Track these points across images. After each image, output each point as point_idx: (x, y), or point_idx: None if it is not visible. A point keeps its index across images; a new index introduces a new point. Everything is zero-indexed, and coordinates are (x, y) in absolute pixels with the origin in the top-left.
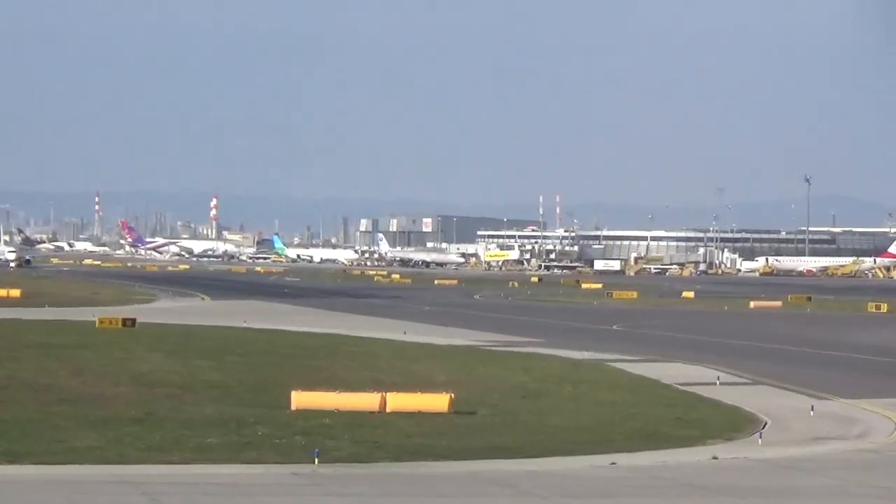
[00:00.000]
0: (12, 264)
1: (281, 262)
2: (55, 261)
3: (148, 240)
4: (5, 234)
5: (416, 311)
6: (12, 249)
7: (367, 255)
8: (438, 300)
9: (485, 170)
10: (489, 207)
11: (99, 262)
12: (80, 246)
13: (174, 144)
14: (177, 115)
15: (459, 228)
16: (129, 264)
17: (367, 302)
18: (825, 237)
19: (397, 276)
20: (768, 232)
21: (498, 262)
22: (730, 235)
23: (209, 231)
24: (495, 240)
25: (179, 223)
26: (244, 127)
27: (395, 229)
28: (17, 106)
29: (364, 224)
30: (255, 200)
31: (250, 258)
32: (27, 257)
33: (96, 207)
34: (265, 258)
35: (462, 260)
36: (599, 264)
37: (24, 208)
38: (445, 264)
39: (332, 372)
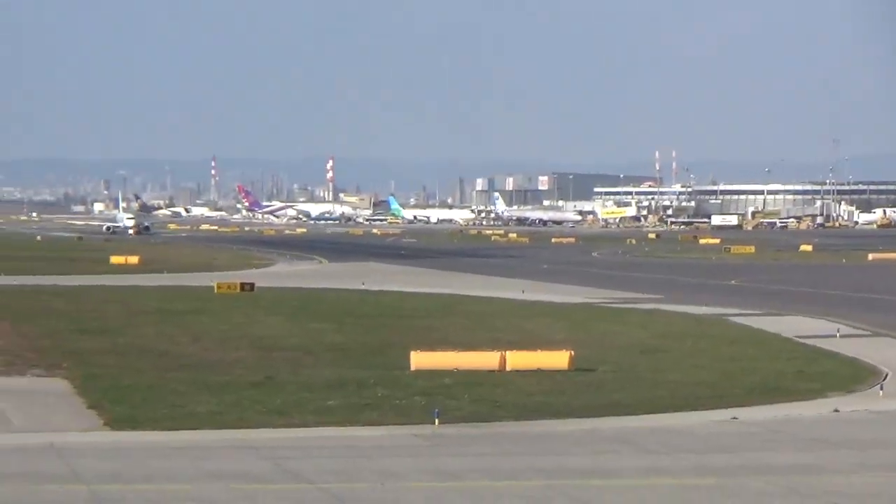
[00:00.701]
0: (131, 231)
1: (397, 223)
2: (172, 227)
3: (265, 204)
4: (123, 200)
5: (533, 269)
6: (131, 216)
7: (483, 214)
8: (556, 258)
9: (600, 127)
10: (605, 165)
11: (216, 227)
12: (197, 211)
13: (287, 109)
14: (289, 80)
15: (576, 186)
16: (247, 229)
17: (485, 261)
18: None
19: (514, 235)
20: (885, 183)
21: (615, 219)
22: (846, 188)
23: (326, 194)
24: (612, 197)
25: (296, 186)
26: (358, 89)
27: (511, 188)
28: (133, 75)
29: (480, 183)
30: (371, 163)
31: (367, 220)
32: (146, 223)
33: (212, 173)
34: (382, 220)
35: (579, 218)
36: (717, 219)
37: (141, 174)
38: (562, 222)
39: (451, 332)
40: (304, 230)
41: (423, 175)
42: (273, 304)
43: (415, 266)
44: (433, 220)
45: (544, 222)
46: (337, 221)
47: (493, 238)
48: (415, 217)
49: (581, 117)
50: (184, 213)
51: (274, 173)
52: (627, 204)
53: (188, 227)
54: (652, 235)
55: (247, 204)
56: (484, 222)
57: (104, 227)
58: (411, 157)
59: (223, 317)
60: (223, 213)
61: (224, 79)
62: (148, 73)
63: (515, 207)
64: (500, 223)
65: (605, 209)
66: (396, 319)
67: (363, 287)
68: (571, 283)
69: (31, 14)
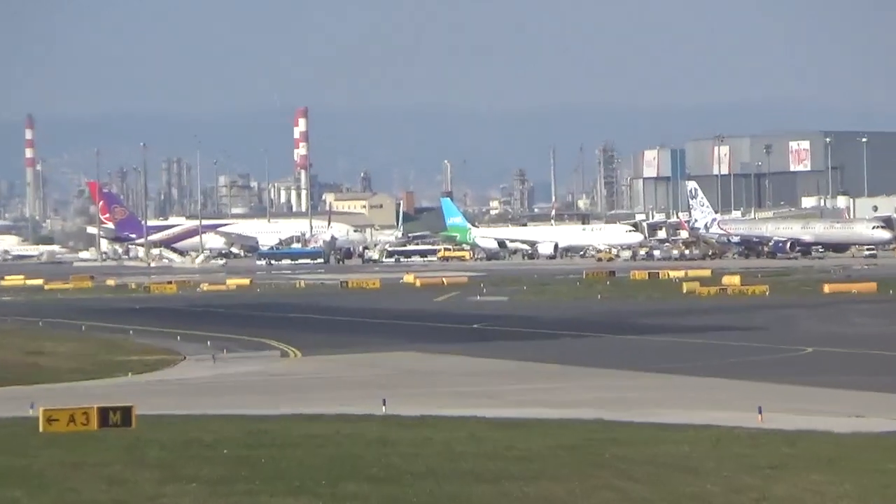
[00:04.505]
0: None
1: (463, 257)
2: None
3: (152, 223)
4: None
5: (781, 358)
6: None
7: (661, 229)
8: (831, 330)
9: None
10: None
11: (42, 282)
12: None
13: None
14: None
15: (875, 161)
16: (113, 282)
17: (667, 343)
18: None
19: (734, 277)
20: None
21: None
22: None
23: (293, 196)
24: None
25: (223, 179)
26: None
27: (723, 170)
28: None
29: (650, 159)
30: (391, 116)
31: (390, 251)
32: None
33: (27, 154)
34: (427, 251)
35: (887, 235)
36: None
37: None
38: (847, 245)
39: None
40: (246, 282)
41: (517, 145)
42: (178, 456)
43: (505, 358)
44: (544, 247)
45: (805, 246)
46: (320, 259)
47: (685, 287)
48: (501, 243)
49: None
50: None
51: (172, 148)
52: None
53: None
54: None
55: (111, 225)
56: (662, 249)
57: None
58: (482, 106)
59: (60, 488)
60: (55, 247)
61: None
62: None
63: (738, 213)
64: (698, 252)
65: None
66: (466, 485)
67: (384, 412)
68: (871, 386)
69: None
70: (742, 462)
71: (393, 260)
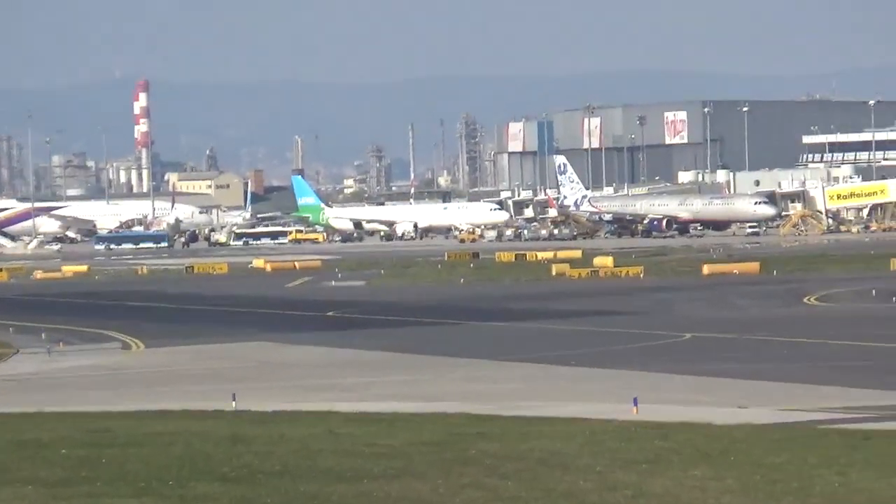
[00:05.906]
0: None
1: (315, 238)
2: None
3: None
4: None
5: (659, 345)
6: None
7: (528, 206)
8: (711, 315)
9: None
10: (815, 79)
11: None
12: None
13: None
14: None
15: (757, 133)
16: None
17: (538, 329)
18: None
19: (607, 258)
20: None
21: (860, 207)
22: None
23: (130, 175)
24: (839, 156)
25: (57, 158)
26: None
27: (594, 143)
28: None
29: (517, 131)
30: (237, 94)
31: (238, 233)
32: None
33: None
34: (276, 233)
35: (770, 211)
36: None
37: None
38: (727, 223)
39: None
40: (84, 269)
41: (373, 120)
42: (12, 458)
43: (363, 348)
44: (403, 227)
45: (682, 224)
46: (164, 242)
47: (554, 269)
48: (357, 223)
49: None
50: None
51: (2, 132)
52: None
53: None
54: None
55: None
56: (529, 228)
57: None
58: (336, 79)
59: None
60: None
61: None
62: None
63: (610, 189)
64: (568, 232)
65: (832, 187)
66: (324, 485)
67: (235, 407)
68: (754, 374)
69: None
70: (617, 457)
71: (241, 243)
